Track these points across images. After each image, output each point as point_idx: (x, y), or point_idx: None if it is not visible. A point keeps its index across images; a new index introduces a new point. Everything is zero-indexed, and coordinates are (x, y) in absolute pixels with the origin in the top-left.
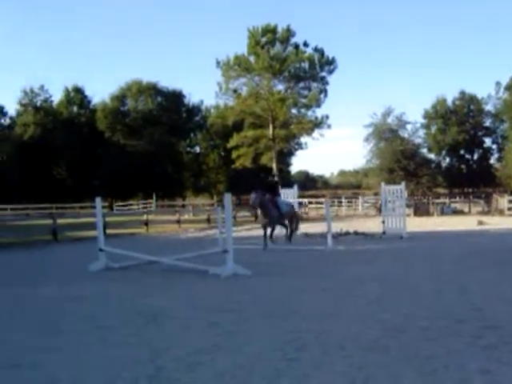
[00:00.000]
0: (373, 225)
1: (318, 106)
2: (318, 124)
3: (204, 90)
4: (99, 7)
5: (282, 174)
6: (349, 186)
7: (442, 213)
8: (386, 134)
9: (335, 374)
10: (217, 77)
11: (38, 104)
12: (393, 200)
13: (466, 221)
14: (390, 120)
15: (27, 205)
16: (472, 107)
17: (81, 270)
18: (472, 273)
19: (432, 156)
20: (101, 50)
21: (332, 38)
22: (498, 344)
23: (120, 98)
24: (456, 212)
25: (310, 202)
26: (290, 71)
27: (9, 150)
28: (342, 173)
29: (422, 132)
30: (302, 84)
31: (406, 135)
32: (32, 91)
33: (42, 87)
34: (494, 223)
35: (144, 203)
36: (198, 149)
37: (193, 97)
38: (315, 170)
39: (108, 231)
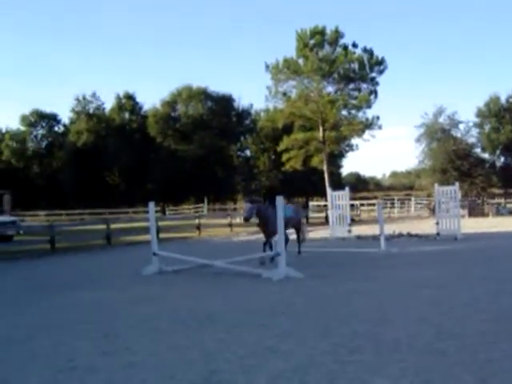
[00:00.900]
0: (426, 226)
1: (369, 106)
2: (368, 125)
3: (253, 93)
4: (148, 14)
5: (333, 176)
6: (401, 188)
7: (498, 213)
8: (438, 134)
9: (390, 378)
10: (266, 80)
11: (91, 111)
12: (446, 201)
13: None
14: (441, 119)
15: (82, 210)
16: None
17: (134, 273)
18: None
19: (486, 155)
20: (151, 56)
21: (381, 38)
22: None
23: (171, 103)
24: None
25: (362, 204)
26: (339, 73)
27: (63, 156)
28: (394, 174)
29: (475, 131)
30: (351, 85)
31: (458, 135)
32: (84, 98)
33: (94, 94)
34: None
35: (196, 207)
36: (248, 152)
37: (242, 100)
38: (367, 171)
39: (161, 235)
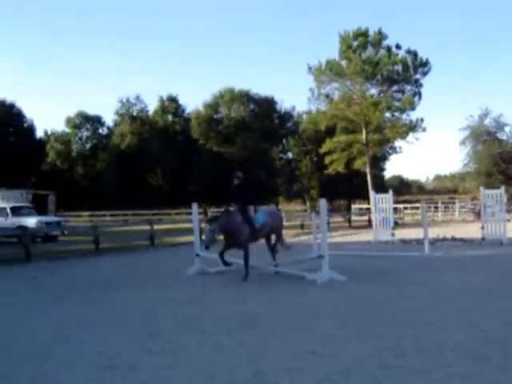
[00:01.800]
0: (471, 230)
1: (413, 109)
2: (412, 127)
3: (296, 95)
4: (188, 17)
5: (376, 179)
6: (444, 191)
7: None
8: (484, 137)
9: (435, 383)
10: (309, 82)
11: (135, 114)
12: (492, 205)
13: None
14: (487, 122)
15: (126, 211)
16: None
17: (177, 274)
18: None
19: None
20: (194, 58)
21: (425, 39)
22: None
23: (213, 105)
24: None
25: (405, 208)
26: (382, 74)
27: (107, 158)
28: (438, 177)
29: None
30: (395, 87)
31: (504, 137)
32: (128, 101)
33: (137, 97)
34: None
35: None
36: (290, 154)
37: (285, 103)
38: (410, 174)
39: (203, 237)
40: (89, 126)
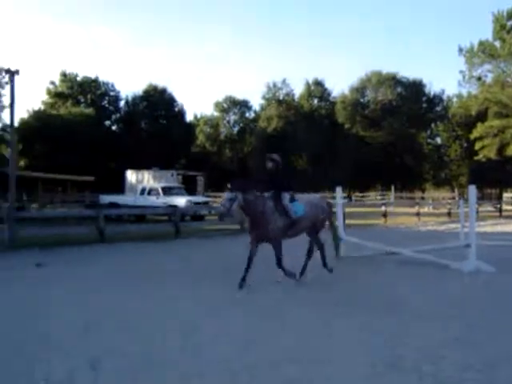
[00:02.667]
0: None
1: None
2: None
3: (446, 78)
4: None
5: None
6: None
7: None
8: None
9: None
10: (459, 64)
11: (281, 98)
12: None
13: None
14: None
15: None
16: None
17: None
18: None
19: None
20: (340, 41)
21: None
22: None
23: (360, 89)
24: None
25: None
26: None
27: (253, 142)
28: None
29: None
30: None
31: None
32: (275, 85)
33: (284, 81)
34: None
35: (382, 194)
36: (438, 140)
37: (434, 86)
38: None
39: (346, 221)
40: (236, 110)
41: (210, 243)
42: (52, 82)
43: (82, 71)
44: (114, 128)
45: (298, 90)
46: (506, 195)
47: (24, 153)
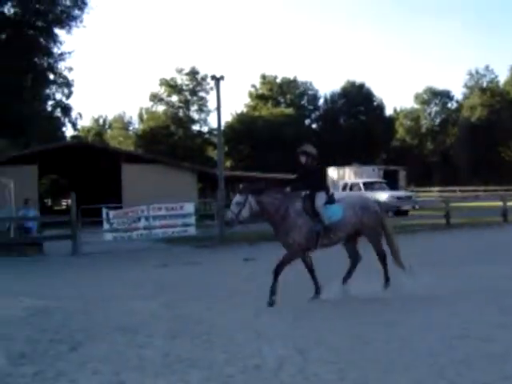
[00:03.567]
0: None
1: None
2: None
3: None
4: None
5: None
6: None
7: None
8: None
9: None
10: None
11: (484, 85)
12: None
13: None
14: None
15: (476, 187)
16: None
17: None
18: None
19: None
20: None
21: None
22: None
23: None
24: None
25: None
26: None
27: (456, 132)
28: None
29: None
30: None
31: None
32: (477, 73)
33: (487, 68)
34: None
35: None
36: None
37: None
38: None
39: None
40: (437, 101)
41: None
42: (253, 85)
43: (281, 72)
44: (313, 126)
45: (502, 76)
46: None
47: (230, 154)
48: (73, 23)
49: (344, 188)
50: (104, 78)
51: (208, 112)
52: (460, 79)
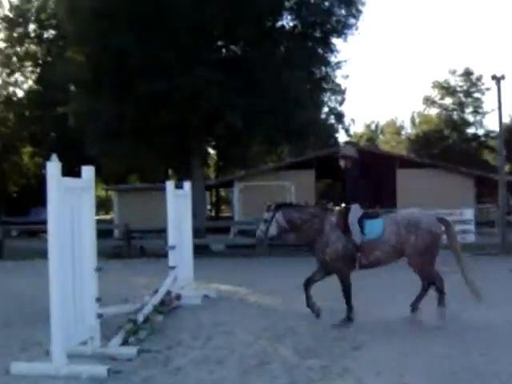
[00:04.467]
0: None
1: None
2: None
3: None
4: None
5: None
6: None
7: None
8: None
9: None
10: None
11: None
12: None
13: None
14: None
15: None
16: None
17: None
18: None
19: None
20: None
21: None
22: None
23: None
24: None
25: None
26: None
27: None
28: None
29: None
30: None
31: None
32: None
33: None
34: None
35: None
36: None
37: None
38: None
39: None
40: None
41: None
42: None
43: None
44: None
45: None
46: None
47: (510, 157)
48: (348, 32)
49: None
50: (376, 83)
51: (484, 114)
52: None
